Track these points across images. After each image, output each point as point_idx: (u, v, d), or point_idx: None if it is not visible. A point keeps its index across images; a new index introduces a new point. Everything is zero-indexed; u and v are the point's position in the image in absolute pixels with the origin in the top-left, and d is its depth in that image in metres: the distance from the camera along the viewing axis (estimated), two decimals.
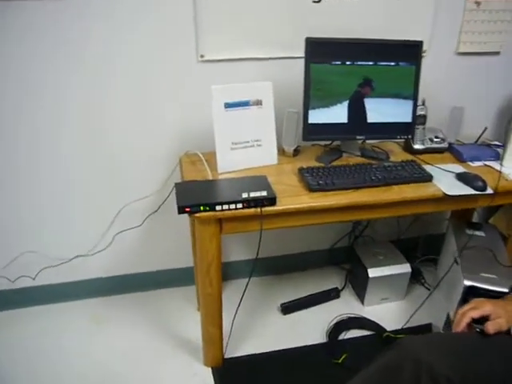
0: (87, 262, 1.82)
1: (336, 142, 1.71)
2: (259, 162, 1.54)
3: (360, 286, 1.98)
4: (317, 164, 1.56)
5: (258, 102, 1.49)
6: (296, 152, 1.64)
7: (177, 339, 1.77)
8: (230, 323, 1.59)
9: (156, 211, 1.72)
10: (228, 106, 1.45)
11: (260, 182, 1.37)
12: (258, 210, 1.27)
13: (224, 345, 1.61)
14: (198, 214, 1.24)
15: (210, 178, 1.43)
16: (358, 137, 1.59)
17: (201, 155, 1.54)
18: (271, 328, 1.84)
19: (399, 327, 1.83)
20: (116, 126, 1.64)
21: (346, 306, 1.97)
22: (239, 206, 1.26)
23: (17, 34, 1.43)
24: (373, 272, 1.89)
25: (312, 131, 1.55)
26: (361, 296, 1.98)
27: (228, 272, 2.05)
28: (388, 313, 1.93)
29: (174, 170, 1.67)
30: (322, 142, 1.73)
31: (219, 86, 1.42)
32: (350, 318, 1.87)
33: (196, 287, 1.87)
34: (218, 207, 1.24)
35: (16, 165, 1.62)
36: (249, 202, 1.26)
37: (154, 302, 1.96)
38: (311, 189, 1.37)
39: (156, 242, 1.89)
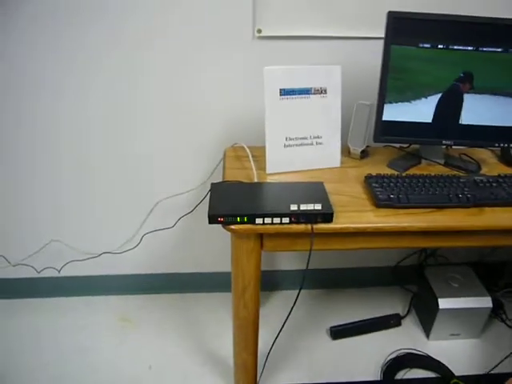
0: (116, 260, 1.66)
1: (414, 145, 1.39)
2: (318, 163, 1.27)
3: (427, 315, 1.67)
4: (389, 171, 1.27)
5: (322, 90, 1.21)
6: (364, 154, 1.35)
7: (208, 354, 1.56)
8: (269, 343, 1.36)
9: (190, 212, 1.50)
10: (284, 92, 1.18)
11: (315, 190, 1.10)
12: (309, 226, 1.01)
13: (259, 370, 1.38)
14: (233, 226, 1.00)
15: (255, 179, 1.18)
16: (444, 141, 1.27)
17: (247, 150, 1.29)
18: (316, 355, 1.58)
19: (470, 372, 1.52)
20: (154, 112, 1.43)
21: (407, 337, 1.67)
22: (285, 220, 1.01)
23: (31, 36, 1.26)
24: (444, 303, 1.57)
25: (386, 130, 1.25)
26: (426, 328, 1.67)
27: (275, 281, 1.82)
28: (458, 352, 1.61)
29: (218, 165, 1.45)
30: (397, 144, 1.42)
31: (274, 67, 1.16)
32: (411, 355, 1.57)
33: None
34: (259, 220, 1.00)
35: (54, 157, 1.48)
36: (298, 217, 1.01)
37: (187, 307, 1.76)
38: (379, 204, 1.09)
39: (191, 243, 1.69)
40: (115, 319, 1.69)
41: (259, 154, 1.29)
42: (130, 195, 1.56)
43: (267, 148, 1.21)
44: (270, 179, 1.20)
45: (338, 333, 1.65)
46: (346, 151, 1.34)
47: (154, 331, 1.65)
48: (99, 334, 1.62)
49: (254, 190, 1.10)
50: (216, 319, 1.70)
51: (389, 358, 1.55)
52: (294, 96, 1.19)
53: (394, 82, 1.20)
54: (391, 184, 1.15)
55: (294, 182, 1.15)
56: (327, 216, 1.02)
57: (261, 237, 1.06)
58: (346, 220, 1.04)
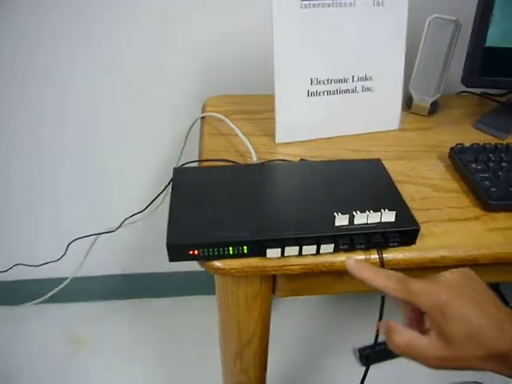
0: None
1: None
2: (364, 124, 0.74)
3: None
4: (483, 137, 0.75)
5: None
6: (433, 107, 0.82)
7: None
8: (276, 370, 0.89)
9: (141, 212, 0.92)
10: None
11: (372, 177, 0.59)
12: (370, 254, 0.51)
13: None
14: (219, 264, 0.49)
15: (254, 157, 0.65)
16: None
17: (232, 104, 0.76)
18: None
19: None
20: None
21: None
22: (327, 247, 0.49)
23: None
24: None
25: (489, 66, 0.72)
26: None
27: None
28: None
29: (190, 133, 0.90)
30: (477, 89, 0.90)
31: None
32: None
33: None
34: (273, 251, 0.48)
35: None
36: (351, 239, 0.50)
37: (160, 316, 1.29)
38: (491, 205, 0.58)
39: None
40: (62, 340, 1.21)
41: (261, 109, 0.78)
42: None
43: (277, 98, 0.68)
44: (282, 154, 0.68)
45: (369, 357, 1.19)
46: (403, 104, 0.81)
47: (115, 355, 1.18)
48: (35, 364, 1.14)
49: (256, 182, 0.58)
50: (201, 333, 1.23)
51: None
52: (325, 1, 0.65)
53: None
54: (503, 164, 0.64)
55: (331, 162, 0.63)
56: (407, 235, 0.51)
57: (273, 276, 0.56)
58: (438, 241, 0.54)
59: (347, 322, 1.29)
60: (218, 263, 0.49)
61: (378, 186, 0.57)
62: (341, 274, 0.51)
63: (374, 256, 0.51)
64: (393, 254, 0.52)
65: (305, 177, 0.59)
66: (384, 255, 0.51)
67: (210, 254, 0.48)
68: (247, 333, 0.62)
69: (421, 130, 0.77)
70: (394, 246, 0.51)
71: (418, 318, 0.43)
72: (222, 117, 0.74)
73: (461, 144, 0.67)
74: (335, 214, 0.50)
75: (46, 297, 1.04)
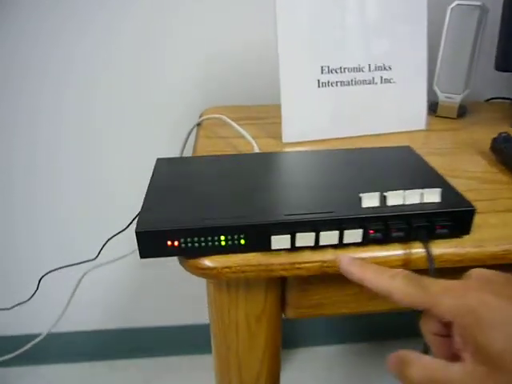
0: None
1: None
2: (385, 122, 0.63)
3: None
4: None
5: None
6: (462, 110, 0.71)
7: None
8: None
9: (122, 231, 0.79)
10: None
11: (403, 162, 0.47)
12: (414, 249, 0.38)
13: None
14: (207, 261, 0.37)
15: (256, 149, 0.54)
16: None
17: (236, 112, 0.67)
18: None
19: None
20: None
21: None
22: (352, 234, 0.37)
23: None
24: None
25: None
26: None
27: (293, 335, 1.18)
28: None
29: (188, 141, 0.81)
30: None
31: None
32: None
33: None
34: (280, 238, 0.36)
35: None
36: (385, 224, 0.37)
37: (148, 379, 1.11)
38: None
39: (145, 282, 1.04)
40: None
41: (267, 116, 0.68)
42: None
43: (283, 90, 0.58)
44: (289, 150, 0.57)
45: None
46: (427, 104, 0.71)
47: None
48: None
49: (259, 168, 0.46)
50: None
51: None
52: None
53: None
54: None
55: (351, 150, 0.51)
56: (460, 219, 0.38)
57: (282, 283, 0.42)
58: (497, 232, 0.41)
59: (367, 370, 1.10)
60: (205, 260, 0.37)
61: (411, 168, 0.45)
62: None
63: (416, 250, 0.38)
64: (440, 249, 0.39)
65: (320, 163, 0.47)
66: (431, 246, 0.38)
67: (195, 245, 0.36)
68: (252, 370, 0.47)
69: (452, 131, 0.66)
70: (442, 236, 0.38)
71: (448, 340, 0.29)
72: (222, 117, 0.64)
73: (505, 132, 0.56)
74: (363, 196, 0.38)
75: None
